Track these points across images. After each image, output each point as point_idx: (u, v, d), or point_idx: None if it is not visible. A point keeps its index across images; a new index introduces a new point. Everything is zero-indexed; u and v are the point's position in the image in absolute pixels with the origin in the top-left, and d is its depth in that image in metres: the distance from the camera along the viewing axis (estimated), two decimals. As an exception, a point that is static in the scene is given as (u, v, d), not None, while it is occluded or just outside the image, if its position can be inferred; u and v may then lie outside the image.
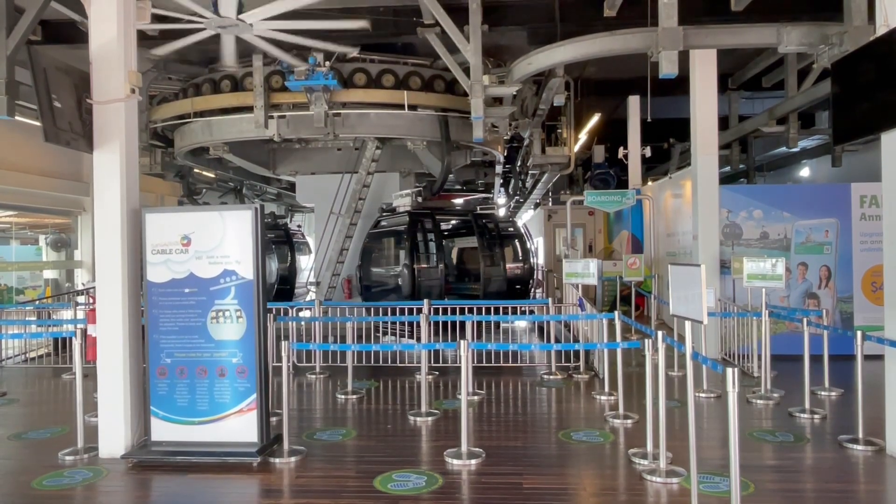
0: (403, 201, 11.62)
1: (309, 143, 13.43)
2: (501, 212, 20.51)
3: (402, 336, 10.54)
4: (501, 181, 21.24)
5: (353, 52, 9.74)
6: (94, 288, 6.61)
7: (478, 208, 12.69)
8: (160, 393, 5.50)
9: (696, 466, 4.26)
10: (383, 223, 12.13)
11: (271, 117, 10.85)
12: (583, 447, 5.66)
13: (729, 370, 3.83)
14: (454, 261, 13.96)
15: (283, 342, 5.80)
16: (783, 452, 5.48)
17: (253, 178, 17.07)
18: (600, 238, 17.13)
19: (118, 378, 5.52)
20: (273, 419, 5.98)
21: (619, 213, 15.25)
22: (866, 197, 9.36)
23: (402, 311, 9.13)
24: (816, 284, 9.50)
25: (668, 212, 13.24)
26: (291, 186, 16.47)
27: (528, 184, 20.48)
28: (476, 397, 7.38)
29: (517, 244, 13.02)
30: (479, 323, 8.92)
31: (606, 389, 7.50)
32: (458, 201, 18.61)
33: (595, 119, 15.30)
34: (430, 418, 6.55)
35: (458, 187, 21.69)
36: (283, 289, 15.53)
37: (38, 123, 5.31)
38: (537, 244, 17.74)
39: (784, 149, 15.21)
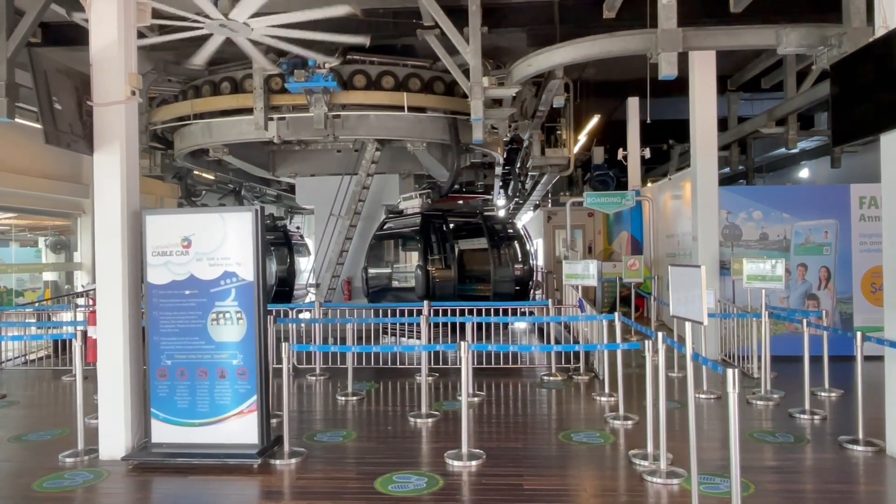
0: (412, 203, 11.66)
1: (308, 145, 13.43)
2: (501, 213, 20.53)
3: (410, 337, 10.57)
4: (501, 183, 21.26)
5: (336, 63, 9.77)
6: (94, 290, 6.61)
7: (484, 211, 12.78)
8: (160, 395, 5.50)
9: (697, 467, 4.27)
10: (390, 225, 12.15)
11: (271, 119, 10.85)
12: (583, 448, 5.66)
13: (729, 371, 3.83)
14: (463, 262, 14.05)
15: (283, 344, 5.80)
16: (783, 453, 5.48)
17: (253, 180, 17.07)
18: (600, 239, 17.14)
19: (118, 380, 5.52)
20: (273, 421, 5.98)
21: (618, 214, 15.26)
22: (865, 198, 9.37)
23: (404, 313, 9.13)
24: (816, 285, 9.51)
25: (667, 213, 13.25)
26: (291, 188, 16.47)
27: (528, 185, 20.49)
28: (476, 399, 7.39)
29: (517, 245, 13.06)
30: (484, 324, 8.95)
31: (606, 390, 7.50)
32: (459, 203, 18.66)
33: (594, 120, 15.30)
34: (430, 420, 6.56)
35: (458, 188, 21.70)
36: (282, 291, 15.51)
37: (38, 125, 5.32)
38: (537, 245, 17.75)
39: (783, 150, 15.23)
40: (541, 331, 11.89)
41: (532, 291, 13.50)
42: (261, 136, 11.03)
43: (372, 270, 12.09)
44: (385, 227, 12.42)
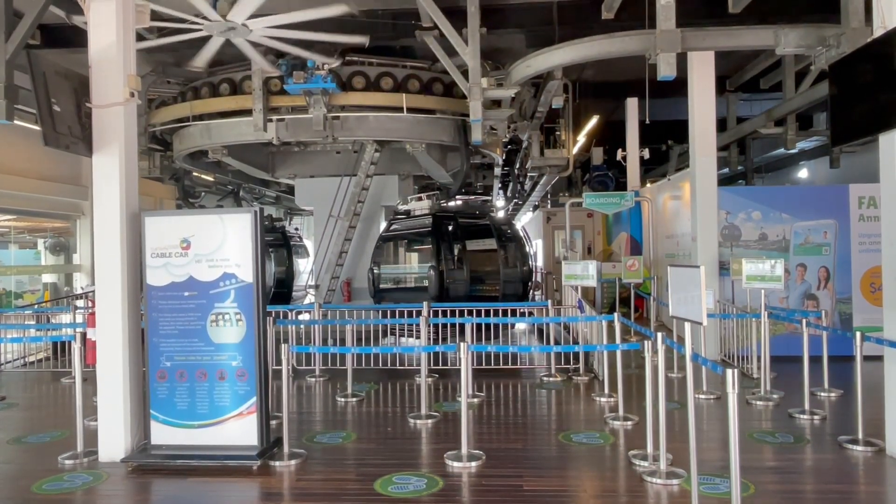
0: (421, 204, 11.71)
1: (308, 146, 13.43)
2: (500, 214, 20.54)
3: (417, 337, 10.59)
4: (500, 183, 21.26)
5: (336, 64, 9.78)
6: (93, 291, 6.61)
7: (486, 211, 12.85)
8: (160, 396, 5.49)
9: (697, 468, 4.27)
10: (398, 225, 12.18)
11: (270, 121, 10.85)
12: (583, 449, 5.66)
13: (728, 371, 3.83)
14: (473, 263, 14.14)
15: (282, 345, 5.80)
16: (783, 453, 5.48)
17: (252, 182, 17.07)
18: (599, 240, 17.15)
19: (118, 382, 5.52)
20: (273, 422, 5.97)
21: (617, 214, 15.26)
22: (864, 198, 9.38)
23: (412, 313, 9.13)
24: (815, 285, 9.52)
25: (666, 213, 13.26)
26: (290, 189, 16.47)
27: (527, 186, 20.49)
28: (476, 399, 7.38)
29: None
30: (488, 325, 8.97)
31: (606, 391, 7.51)
32: (469, 203, 18.68)
33: (593, 121, 15.32)
34: (430, 421, 6.55)
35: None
36: (281, 292, 15.49)
37: (37, 127, 5.31)
38: (536, 246, 17.75)
39: (782, 150, 15.24)
40: (540, 331, 11.89)
41: (531, 292, 13.50)
42: (260, 138, 11.03)
43: (379, 270, 12.13)
44: (392, 227, 12.45)
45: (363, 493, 4.74)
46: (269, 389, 5.98)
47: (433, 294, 10.78)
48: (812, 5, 8.37)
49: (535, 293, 14.57)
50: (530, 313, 10.86)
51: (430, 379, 7.99)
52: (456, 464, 5.25)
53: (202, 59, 8.00)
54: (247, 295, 5.40)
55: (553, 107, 11.58)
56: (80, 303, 10.83)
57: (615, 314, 7.36)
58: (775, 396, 7.16)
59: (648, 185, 16.31)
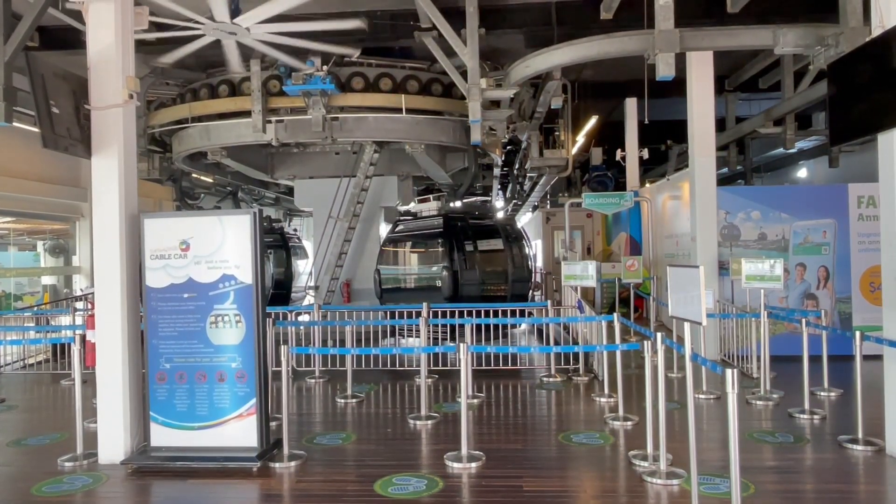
0: (429, 205, 11.75)
1: (307, 148, 13.43)
2: (499, 214, 20.55)
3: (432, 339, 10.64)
4: (499, 184, 21.26)
5: (356, 54, 9.79)
6: (92, 293, 6.61)
7: (492, 212, 12.92)
8: (159, 398, 5.49)
9: (697, 468, 4.27)
10: (406, 226, 12.20)
11: (269, 122, 10.85)
12: (583, 449, 5.66)
13: (728, 371, 3.83)
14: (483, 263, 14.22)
15: (282, 346, 5.79)
16: (783, 453, 5.48)
17: (251, 183, 17.07)
18: (599, 240, 17.15)
19: (117, 383, 5.51)
20: (273, 424, 5.97)
21: (617, 215, 15.27)
22: (864, 197, 9.38)
23: (416, 314, 9.14)
24: (815, 285, 9.52)
25: (666, 213, 13.26)
26: (290, 190, 16.47)
27: (527, 186, 20.49)
28: (476, 400, 7.38)
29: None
30: (487, 326, 9.00)
31: (606, 391, 7.50)
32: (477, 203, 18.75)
33: (593, 121, 15.32)
34: (429, 421, 6.55)
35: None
36: (279, 293, 15.47)
37: (36, 129, 5.31)
38: (536, 247, 17.76)
39: (781, 150, 15.24)
40: (540, 332, 11.89)
41: (531, 292, 13.52)
42: (259, 139, 11.03)
43: (387, 271, 12.14)
44: (399, 228, 12.47)
45: (363, 495, 4.73)
46: (269, 391, 5.98)
47: (447, 294, 10.81)
48: (810, 5, 8.38)
49: (535, 293, 14.58)
50: (530, 313, 10.87)
51: (429, 380, 7.99)
52: (456, 464, 5.25)
53: (234, 63, 8.02)
54: (246, 296, 5.40)
55: (552, 107, 11.59)
56: (79, 305, 10.82)
57: (615, 314, 7.36)
58: (775, 396, 7.16)
59: (648, 185, 16.31)
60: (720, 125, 13.83)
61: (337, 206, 12.54)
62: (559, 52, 7.95)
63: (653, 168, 20.38)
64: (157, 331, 5.49)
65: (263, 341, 5.49)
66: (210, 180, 16.84)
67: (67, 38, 8.93)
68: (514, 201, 22.69)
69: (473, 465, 5.25)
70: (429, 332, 8.11)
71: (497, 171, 18.20)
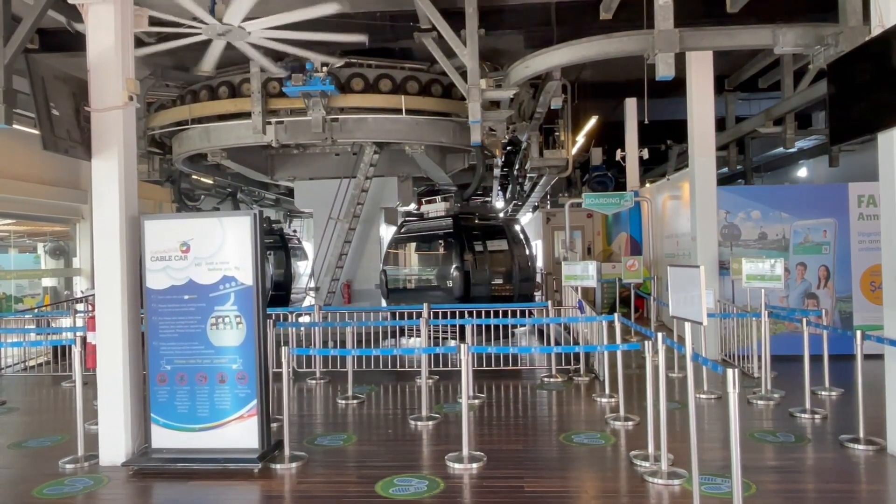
0: (437, 206, 11.80)
1: (307, 149, 13.44)
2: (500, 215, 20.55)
3: (447, 338, 10.65)
4: (499, 185, 21.27)
5: (339, 63, 9.84)
6: (93, 295, 6.61)
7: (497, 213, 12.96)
8: (160, 400, 5.49)
9: (698, 468, 4.26)
10: (413, 227, 12.22)
11: (269, 123, 10.86)
12: (584, 450, 5.65)
13: (729, 371, 3.83)
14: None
15: (283, 348, 5.79)
16: (784, 453, 5.48)
17: (251, 184, 17.08)
18: (599, 240, 17.15)
19: (118, 385, 5.51)
20: (274, 425, 5.97)
21: (617, 215, 15.27)
22: (864, 196, 9.38)
23: (410, 315, 9.15)
24: (815, 284, 9.51)
25: (666, 213, 13.26)
26: (290, 192, 16.47)
27: (527, 187, 20.49)
28: (477, 401, 7.38)
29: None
30: (488, 326, 9.01)
31: (607, 391, 7.50)
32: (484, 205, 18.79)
33: (592, 122, 15.31)
34: (430, 422, 6.55)
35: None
36: (279, 295, 15.45)
37: (36, 132, 5.31)
38: (536, 247, 17.75)
39: (781, 149, 15.25)
40: (541, 332, 11.89)
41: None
42: (259, 140, 11.04)
43: (394, 271, 12.15)
44: (405, 229, 12.49)
45: (364, 496, 4.73)
46: (270, 392, 5.98)
47: (458, 294, 10.82)
48: (810, 4, 8.39)
49: (535, 294, 14.57)
50: (531, 313, 10.87)
51: (430, 380, 7.99)
52: (457, 465, 5.25)
53: (208, 63, 8.03)
54: (247, 298, 5.40)
55: (552, 107, 11.58)
56: (80, 306, 10.82)
57: (615, 314, 7.35)
58: (776, 396, 7.16)
59: (648, 185, 16.31)
60: (720, 125, 13.83)
61: (337, 207, 12.54)
62: (559, 53, 7.95)
63: (653, 168, 20.39)
64: (158, 332, 5.49)
65: (264, 342, 5.49)
66: (210, 182, 16.86)
67: (67, 41, 8.93)
68: (515, 202, 22.68)
69: (474, 465, 5.25)
70: (429, 332, 8.10)
71: (497, 172, 18.20)
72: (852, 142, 5.98)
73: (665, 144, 17.73)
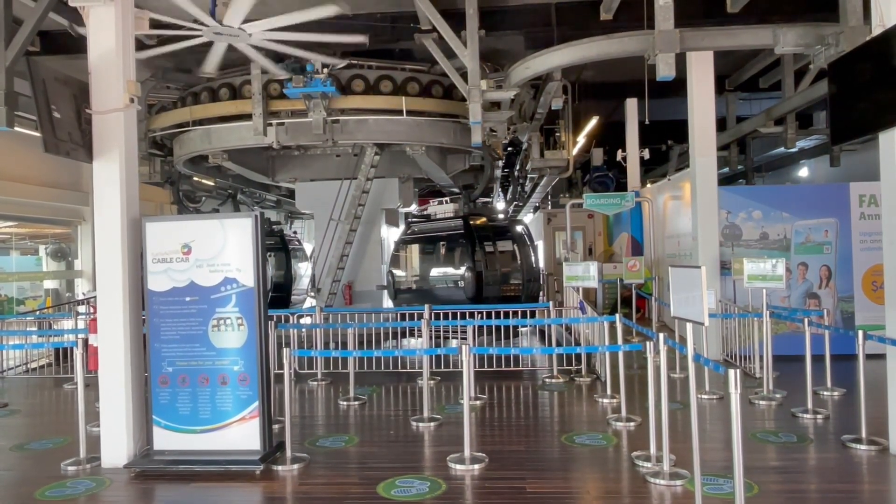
0: (445, 207, 11.82)
1: (308, 150, 13.44)
2: (501, 216, 20.56)
3: (463, 338, 10.66)
4: (500, 185, 21.27)
5: (341, 64, 9.84)
6: (94, 297, 6.61)
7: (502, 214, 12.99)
8: (162, 402, 5.49)
9: (700, 468, 4.26)
10: (420, 228, 12.23)
11: (270, 125, 10.86)
12: (586, 450, 5.65)
13: (731, 371, 3.83)
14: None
15: (284, 349, 5.79)
16: (786, 453, 5.48)
17: (252, 186, 17.08)
18: (600, 241, 17.14)
19: (120, 387, 5.52)
20: (275, 427, 5.98)
21: (618, 215, 15.26)
22: (865, 196, 9.37)
23: (410, 317, 9.14)
24: (817, 284, 9.50)
25: (667, 214, 13.25)
26: (291, 193, 16.46)
27: (527, 187, 20.49)
28: (478, 402, 7.38)
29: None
30: (490, 327, 9.01)
31: (608, 392, 7.49)
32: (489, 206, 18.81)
33: (593, 122, 15.32)
34: (432, 423, 6.55)
35: (456, 191, 21.73)
36: (279, 296, 15.42)
37: (37, 134, 5.32)
38: (537, 248, 17.75)
39: (782, 149, 15.23)
40: (542, 333, 11.88)
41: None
42: (260, 142, 11.04)
43: (402, 272, 12.15)
44: (412, 230, 12.49)
45: (366, 497, 4.73)
46: (272, 393, 5.97)
47: (470, 295, 10.83)
48: (810, 4, 8.37)
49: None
50: (532, 314, 10.86)
51: (432, 381, 7.99)
52: (459, 466, 5.24)
53: (211, 65, 8.03)
54: (248, 299, 5.40)
55: (552, 108, 11.59)
56: (81, 308, 10.83)
57: (617, 315, 7.35)
58: (778, 396, 7.15)
59: (649, 185, 16.30)
60: (721, 125, 13.83)
61: (338, 208, 12.54)
62: (559, 54, 7.95)
63: (654, 168, 20.39)
64: (160, 334, 5.50)
65: (266, 344, 5.49)
66: (211, 183, 16.86)
67: (68, 43, 8.94)
68: (516, 202, 22.68)
69: (476, 466, 5.25)
70: (430, 332, 8.10)
71: (498, 173, 18.20)
72: (853, 141, 5.99)
73: (666, 145, 17.73)
